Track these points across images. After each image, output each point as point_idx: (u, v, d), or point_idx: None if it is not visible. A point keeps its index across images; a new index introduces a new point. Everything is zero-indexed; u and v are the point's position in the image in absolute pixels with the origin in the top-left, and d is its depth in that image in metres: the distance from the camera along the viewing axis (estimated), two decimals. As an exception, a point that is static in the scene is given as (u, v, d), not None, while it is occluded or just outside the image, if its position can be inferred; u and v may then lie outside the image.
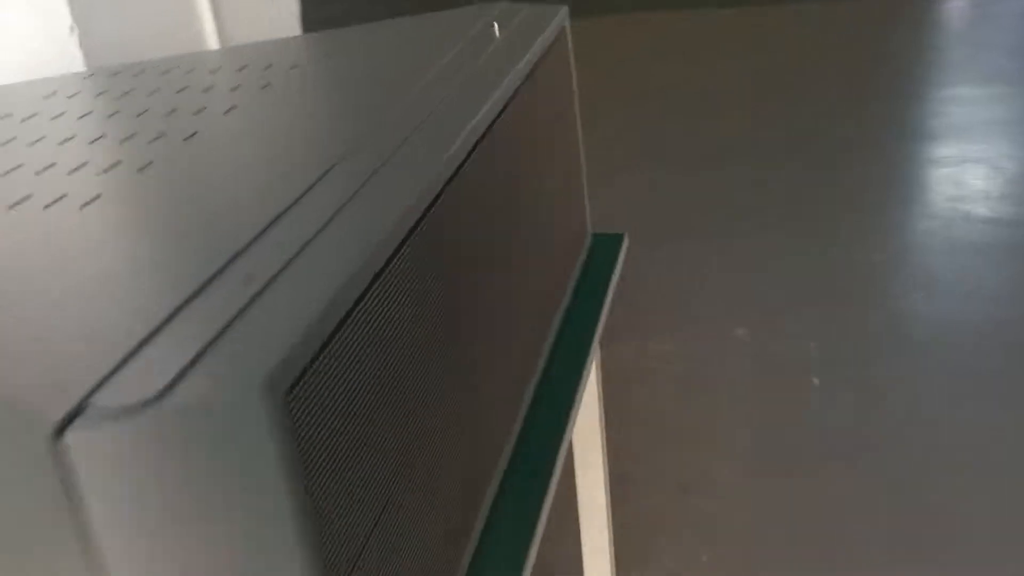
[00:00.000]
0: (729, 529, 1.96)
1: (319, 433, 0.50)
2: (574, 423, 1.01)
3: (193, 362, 0.47)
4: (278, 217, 0.60)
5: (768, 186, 3.35)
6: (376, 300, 0.59)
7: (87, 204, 0.67)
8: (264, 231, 0.59)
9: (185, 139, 0.80)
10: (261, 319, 0.50)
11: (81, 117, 0.88)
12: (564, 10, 1.12)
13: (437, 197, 0.73)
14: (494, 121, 0.90)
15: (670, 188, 3.40)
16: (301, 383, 0.49)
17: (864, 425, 2.21)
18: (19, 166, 0.76)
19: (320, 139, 0.77)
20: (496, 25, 1.05)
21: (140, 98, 0.92)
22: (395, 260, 0.63)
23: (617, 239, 1.27)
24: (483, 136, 0.86)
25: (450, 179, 0.77)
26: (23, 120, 0.90)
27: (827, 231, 3.04)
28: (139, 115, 0.85)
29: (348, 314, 0.54)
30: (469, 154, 0.82)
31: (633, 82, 4.44)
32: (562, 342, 1.09)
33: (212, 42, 1.86)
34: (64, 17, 1.50)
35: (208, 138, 0.79)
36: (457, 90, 0.92)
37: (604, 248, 1.26)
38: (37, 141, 0.83)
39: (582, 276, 1.20)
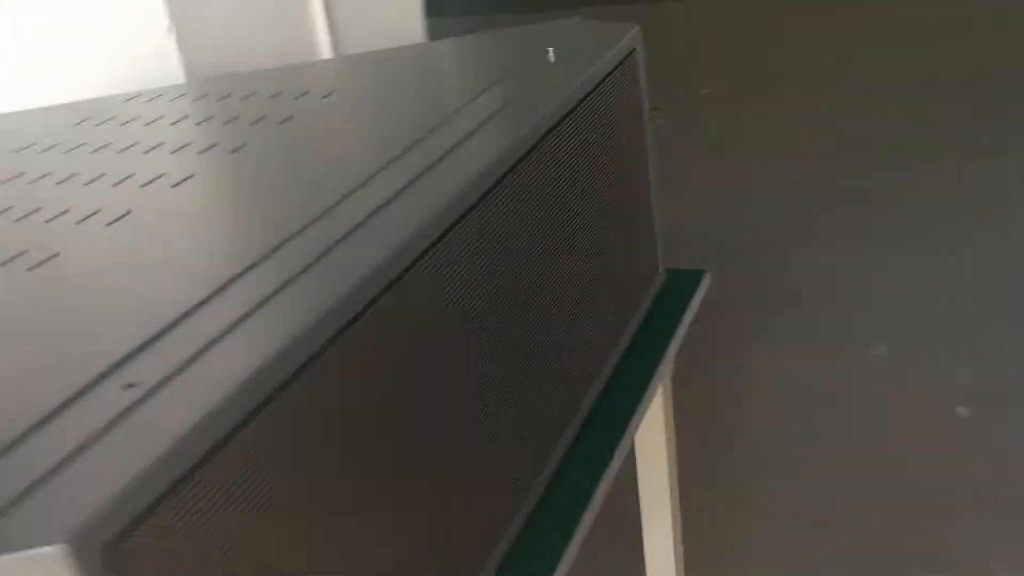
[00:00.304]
0: (849, 568, 1.81)
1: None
2: (613, 473, 0.92)
3: (9, 506, 0.42)
4: (190, 311, 0.55)
5: (928, 188, 3.09)
6: (290, 405, 0.52)
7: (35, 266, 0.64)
8: (169, 328, 0.53)
9: (173, 183, 0.76)
10: (106, 451, 0.44)
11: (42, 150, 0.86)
12: (635, 31, 1.02)
13: (446, 233, 0.67)
14: (531, 150, 0.82)
15: (815, 186, 3.19)
16: (138, 534, 0.43)
17: (1014, 465, 2.00)
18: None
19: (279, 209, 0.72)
20: (551, 50, 0.97)
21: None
22: (334, 346, 0.56)
23: (696, 276, 1.16)
24: (513, 167, 0.79)
25: (461, 217, 0.70)
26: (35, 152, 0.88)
27: (991, 242, 2.77)
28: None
29: (233, 433, 0.48)
30: (495, 185, 0.75)
31: (787, 70, 4.20)
32: (616, 382, 1.00)
33: (324, 43, 1.83)
34: (162, 18, 1.50)
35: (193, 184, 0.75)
36: (494, 116, 0.85)
37: (683, 284, 1.16)
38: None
39: (652, 312, 1.10)
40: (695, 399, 2.32)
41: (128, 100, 1.02)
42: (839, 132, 3.54)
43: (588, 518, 0.86)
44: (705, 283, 1.16)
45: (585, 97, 0.92)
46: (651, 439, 1.15)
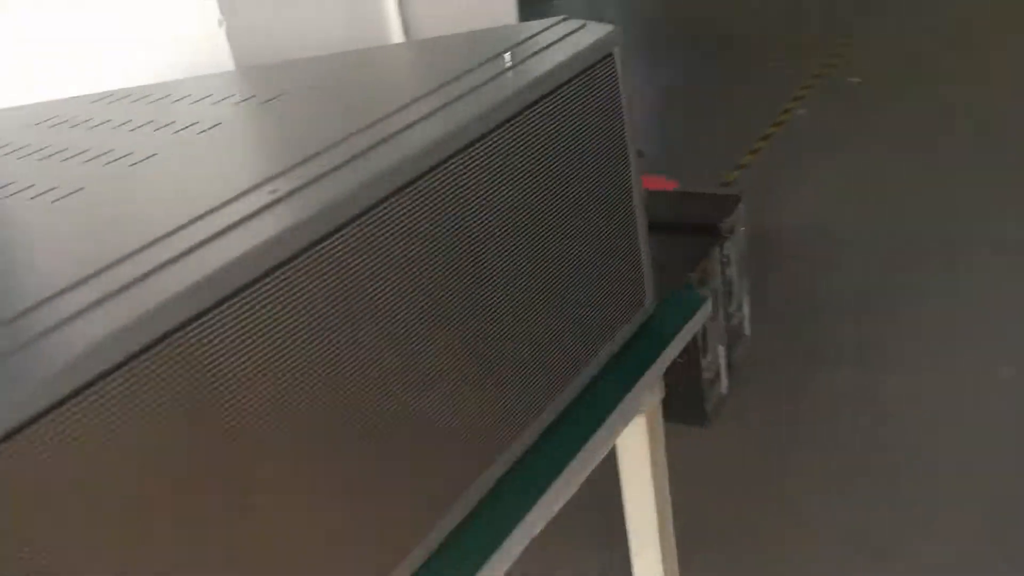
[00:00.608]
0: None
1: None
2: (559, 493, 0.86)
3: None
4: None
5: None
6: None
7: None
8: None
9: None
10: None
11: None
12: (611, 32, 0.93)
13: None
14: (464, 149, 0.77)
15: (954, 191, 2.92)
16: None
17: None
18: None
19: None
20: (508, 54, 0.89)
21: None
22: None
23: (695, 300, 1.06)
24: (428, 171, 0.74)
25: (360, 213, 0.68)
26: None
27: None
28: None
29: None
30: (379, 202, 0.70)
31: (944, 61, 3.87)
32: (572, 412, 0.93)
33: (396, 33, 1.80)
34: (212, 11, 1.50)
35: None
36: (425, 117, 0.79)
37: (678, 310, 1.06)
38: None
39: (634, 339, 1.01)
40: (805, 412, 2.17)
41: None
42: (990, 134, 3.23)
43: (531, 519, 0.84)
44: (703, 312, 1.06)
45: (533, 104, 0.84)
46: (634, 472, 1.06)
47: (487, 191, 0.81)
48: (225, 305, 0.60)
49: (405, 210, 0.73)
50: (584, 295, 0.95)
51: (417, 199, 0.74)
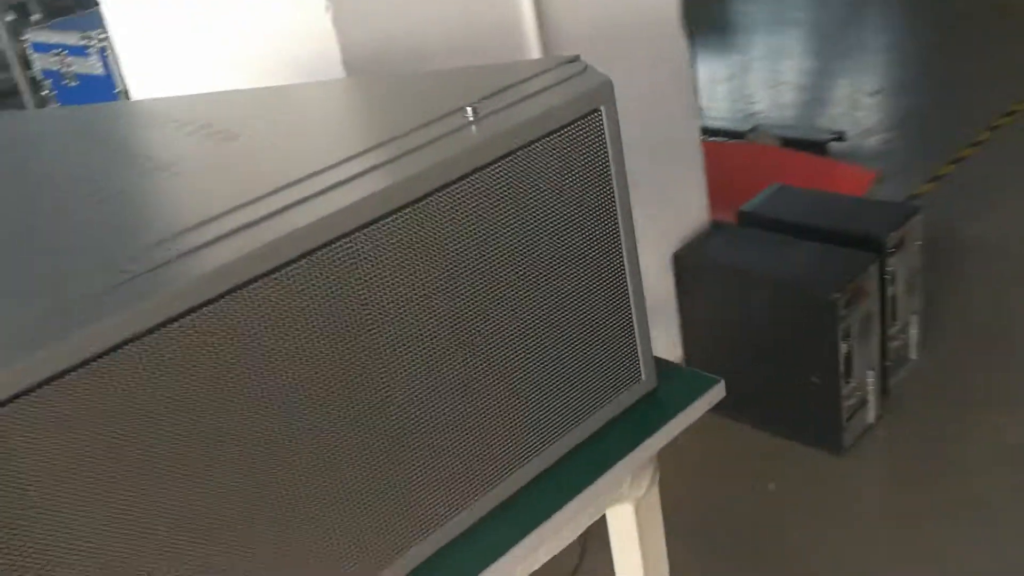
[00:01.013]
0: None
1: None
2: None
3: None
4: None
5: None
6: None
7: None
8: None
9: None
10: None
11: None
12: (600, 84, 0.81)
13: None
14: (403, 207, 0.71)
15: None
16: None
17: None
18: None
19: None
20: (470, 108, 0.80)
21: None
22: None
23: (707, 382, 0.93)
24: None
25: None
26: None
27: None
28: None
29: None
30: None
31: None
32: (527, 496, 0.85)
33: (532, 39, 1.71)
34: (319, -4, 1.48)
35: None
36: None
37: (684, 387, 0.94)
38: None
39: (622, 419, 0.91)
40: (962, 455, 1.94)
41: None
42: None
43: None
44: (714, 393, 0.93)
45: (493, 162, 0.76)
46: (626, 557, 0.97)
47: (421, 254, 0.74)
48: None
49: (325, 274, 0.69)
50: (560, 368, 0.86)
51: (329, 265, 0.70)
